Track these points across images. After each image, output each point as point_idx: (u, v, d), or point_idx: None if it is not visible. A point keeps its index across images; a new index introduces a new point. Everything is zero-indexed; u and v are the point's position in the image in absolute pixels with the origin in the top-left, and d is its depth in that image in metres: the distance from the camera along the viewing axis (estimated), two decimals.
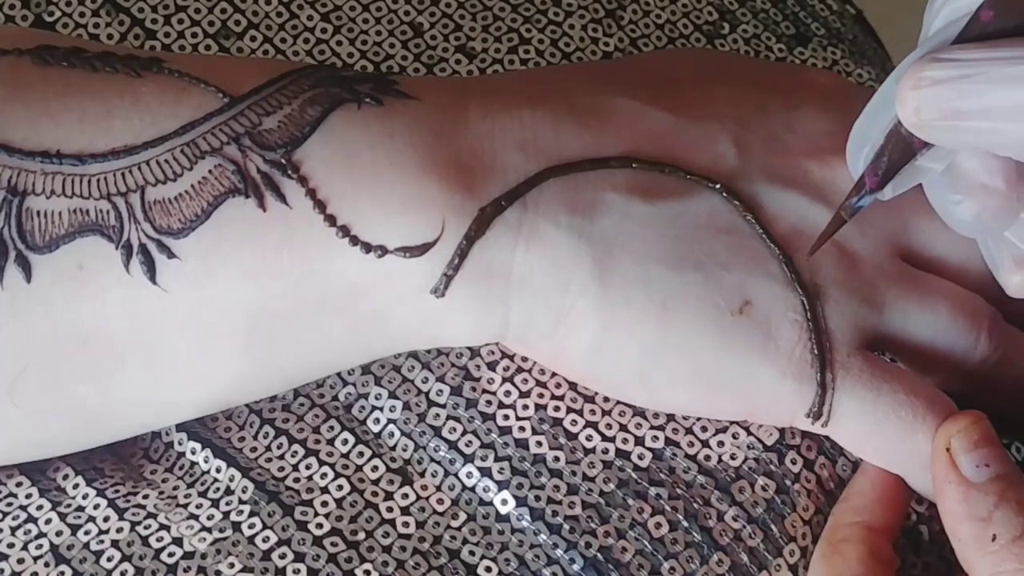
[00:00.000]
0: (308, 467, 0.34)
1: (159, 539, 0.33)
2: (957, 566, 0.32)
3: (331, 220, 0.31)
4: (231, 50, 0.37)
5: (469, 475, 0.33)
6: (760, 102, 0.35)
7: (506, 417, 0.34)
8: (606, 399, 0.34)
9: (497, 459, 0.33)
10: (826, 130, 0.35)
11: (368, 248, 0.31)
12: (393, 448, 0.34)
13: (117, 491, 0.34)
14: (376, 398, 0.34)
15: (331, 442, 0.34)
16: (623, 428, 0.34)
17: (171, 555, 0.32)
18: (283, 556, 0.32)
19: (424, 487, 0.34)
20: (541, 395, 0.34)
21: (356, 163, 0.32)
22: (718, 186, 0.33)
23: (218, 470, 0.34)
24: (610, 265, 0.32)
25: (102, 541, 0.33)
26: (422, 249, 0.32)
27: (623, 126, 0.33)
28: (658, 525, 0.33)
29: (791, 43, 0.41)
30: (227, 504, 0.33)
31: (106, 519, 0.33)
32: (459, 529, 0.33)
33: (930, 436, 0.32)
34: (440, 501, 0.33)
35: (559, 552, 0.33)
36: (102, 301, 0.31)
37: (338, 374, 0.35)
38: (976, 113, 0.28)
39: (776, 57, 0.40)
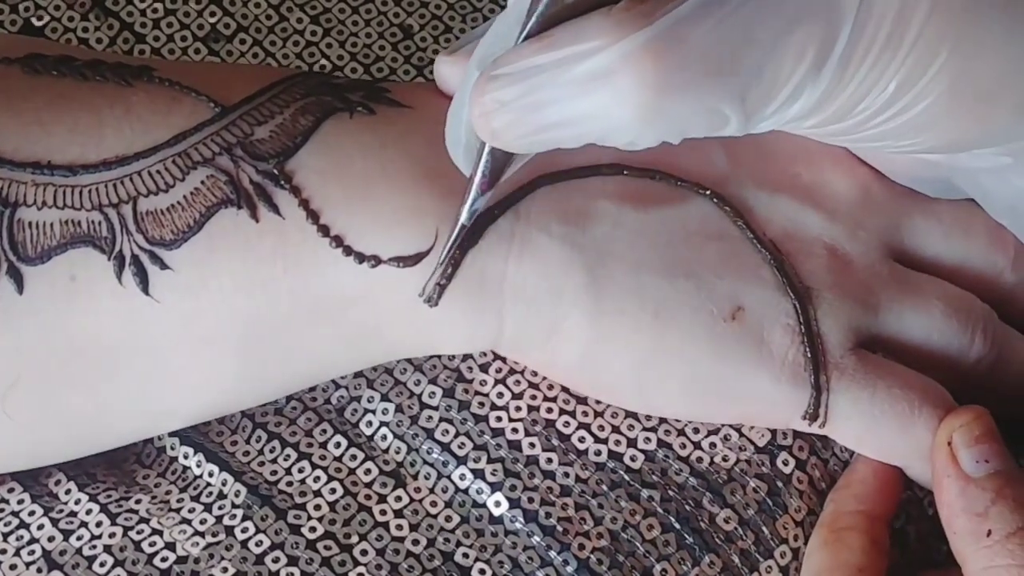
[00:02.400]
0: (301, 471, 0.34)
1: (152, 544, 0.33)
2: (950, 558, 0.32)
3: (324, 230, 0.31)
4: (220, 54, 0.37)
5: (462, 477, 0.34)
6: None
7: (499, 419, 0.34)
8: (598, 400, 0.34)
9: (490, 461, 0.34)
10: None
11: (361, 258, 0.31)
12: (386, 451, 0.34)
13: (109, 496, 0.34)
14: (368, 401, 0.34)
15: (324, 445, 0.34)
16: (615, 430, 0.34)
17: (164, 560, 0.33)
18: (276, 560, 0.32)
19: (417, 489, 0.34)
20: (534, 397, 0.34)
21: (349, 173, 0.32)
22: (708, 192, 0.34)
23: (211, 474, 0.34)
24: (602, 275, 0.32)
25: (95, 547, 0.33)
26: (415, 259, 0.32)
27: None
28: (650, 527, 0.33)
29: None
30: (220, 508, 0.33)
31: (98, 524, 0.33)
32: (452, 531, 0.33)
33: (927, 428, 0.33)
34: (433, 503, 0.33)
35: (552, 554, 0.33)
36: (94, 312, 0.31)
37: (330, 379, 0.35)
38: (554, 125, 0.28)
39: None
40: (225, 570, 0.32)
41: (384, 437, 0.34)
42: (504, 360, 0.35)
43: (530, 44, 0.27)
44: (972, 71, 0.28)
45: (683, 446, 0.34)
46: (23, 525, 0.33)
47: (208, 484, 0.34)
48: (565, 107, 0.27)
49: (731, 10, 0.26)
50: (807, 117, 0.28)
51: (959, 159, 0.32)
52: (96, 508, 0.34)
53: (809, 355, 0.33)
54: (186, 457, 0.34)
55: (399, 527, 0.33)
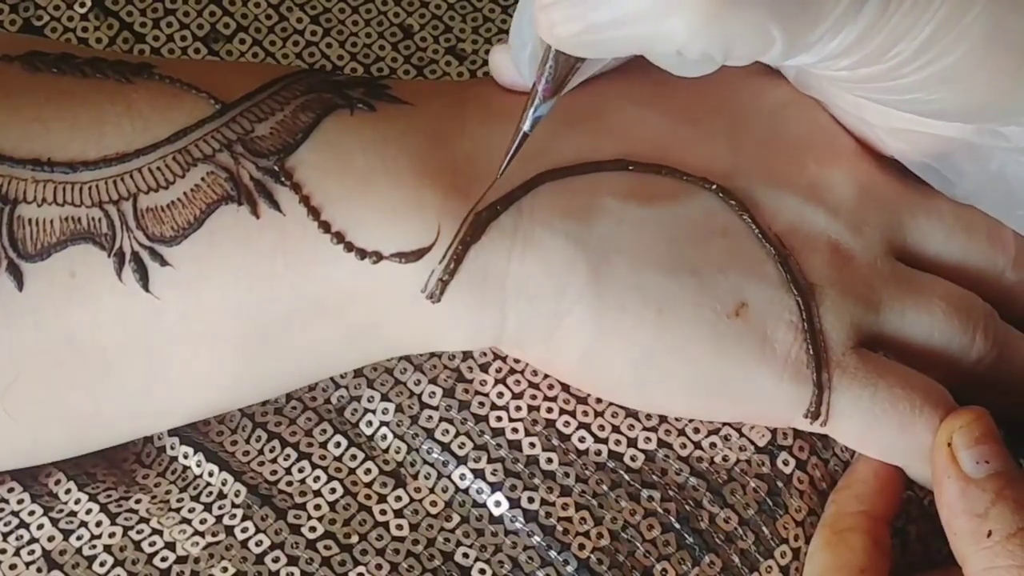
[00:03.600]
0: (301, 470, 0.34)
1: (152, 544, 0.33)
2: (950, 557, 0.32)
3: (325, 227, 0.31)
4: (220, 53, 0.37)
5: (462, 477, 0.34)
6: (752, 102, 0.35)
7: (499, 419, 0.34)
8: (599, 400, 0.34)
9: (490, 461, 0.33)
10: (818, 128, 0.35)
11: (363, 254, 0.31)
12: (386, 451, 0.34)
13: (109, 496, 0.34)
14: (368, 401, 0.34)
15: (324, 445, 0.34)
16: (616, 429, 0.34)
17: (164, 560, 0.32)
18: (276, 560, 0.32)
19: (417, 489, 0.34)
20: (534, 396, 0.34)
21: (350, 169, 0.32)
22: (714, 187, 0.33)
23: (210, 474, 0.34)
24: (606, 271, 0.32)
25: (94, 546, 0.33)
26: (417, 255, 0.31)
27: (617, 129, 0.33)
28: (650, 527, 0.33)
29: None
30: (220, 508, 0.33)
31: (98, 524, 0.33)
32: (453, 531, 0.33)
33: (928, 428, 0.33)
34: (433, 503, 0.33)
35: (552, 554, 0.33)
36: (94, 309, 0.31)
37: (330, 377, 0.35)
38: (608, 24, 0.28)
39: None
40: (225, 570, 0.32)
41: (384, 437, 0.34)
42: (504, 360, 0.35)
43: None
44: (1007, 23, 0.29)
45: (683, 446, 0.34)
46: (23, 525, 0.33)
47: (208, 484, 0.34)
48: (621, 4, 0.28)
49: None
50: (844, 55, 0.29)
51: (983, 135, 0.32)
52: (96, 508, 0.34)
53: (811, 353, 0.33)
54: (186, 457, 0.34)
55: (399, 527, 0.33)
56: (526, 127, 0.31)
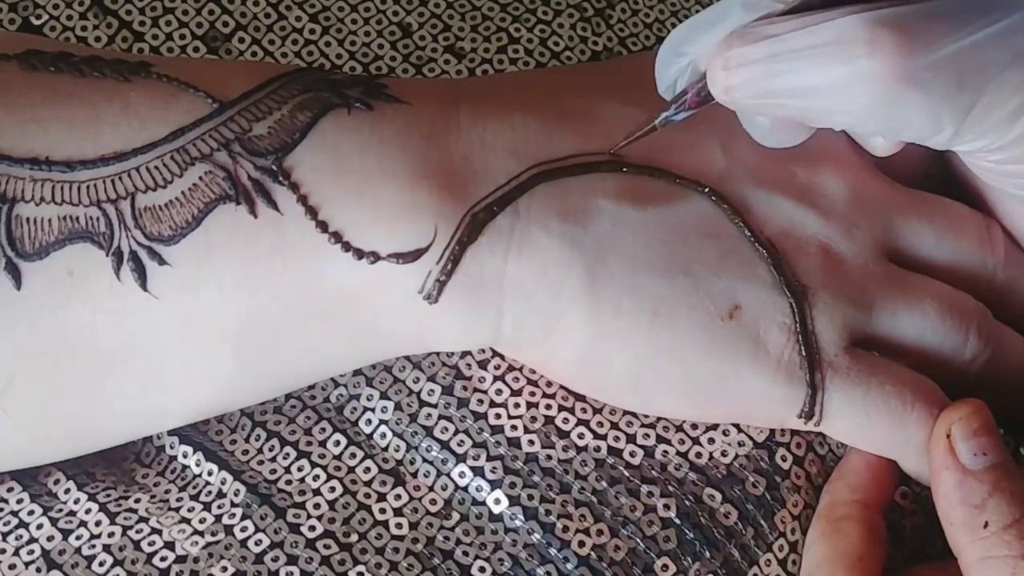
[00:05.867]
0: (300, 469, 0.34)
1: (151, 543, 0.33)
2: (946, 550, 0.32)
3: (323, 226, 0.31)
4: (219, 52, 0.37)
5: (462, 475, 0.34)
6: None
7: (498, 416, 0.34)
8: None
9: (489, 458, 0.33)
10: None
11: (360, 254, 0.31)
12: (385, 449, 0.34)
13: (108, 496, 0.34)
14: (367, 399, 0.34)
15: (323, 444, 0.34)
16: (614, 426, 0.34)
17: (163, 559, 0.32)
18: (276, 559, 0.32)
19: (417, 488, 0.34)
20: (532, 393, 0.34)
21: (347, 169, 0.32)
22: (707, 190, 0.34)
23: (210, 473, 0.34)
24: (601, 273, 0.32)
25: (94, 546, 0.33)
26: (415, 255, 0.32)
27: (613, 130, 0.33)
28: (650, 523, 0.33)
29: None
30: (219, 507, 0.33)
31: (98, 524, 0.33)
32: (452, 529, 0.33)
33: (920, 424, 0.33)
34: (433, 502, 0.33)
35: (552, 551, 0.33)
36: (92, 308, 0.31)
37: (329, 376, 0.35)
38: (785, 92, 0.29)
39: None
40: (224, 569, 0.32)
41: (383, 435, 0.34)
42: (503, 357, 0.35)
43: (785, 17, 0.29)
44: None
45: (682, 442, 0.34)
46: (22, 524, 0.33)
47: (207, 483, 0.34)
48: (803, 76, 0.29)
49: (974, 30, 0.29)
50: (999, 151, 0.30)
51: None
52: (95, 507, 0.34)
53: (804, 354, 0.33)
54: (185, 456, 0.34)
55: (399, 525, 0.33)
56: (657, 122, 0.32)
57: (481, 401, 0.34)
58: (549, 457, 0.34)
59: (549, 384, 0.35)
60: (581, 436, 0.34)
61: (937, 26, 0.29)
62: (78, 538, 0.33)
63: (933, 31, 0.29)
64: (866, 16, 0.29)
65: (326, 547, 0.33)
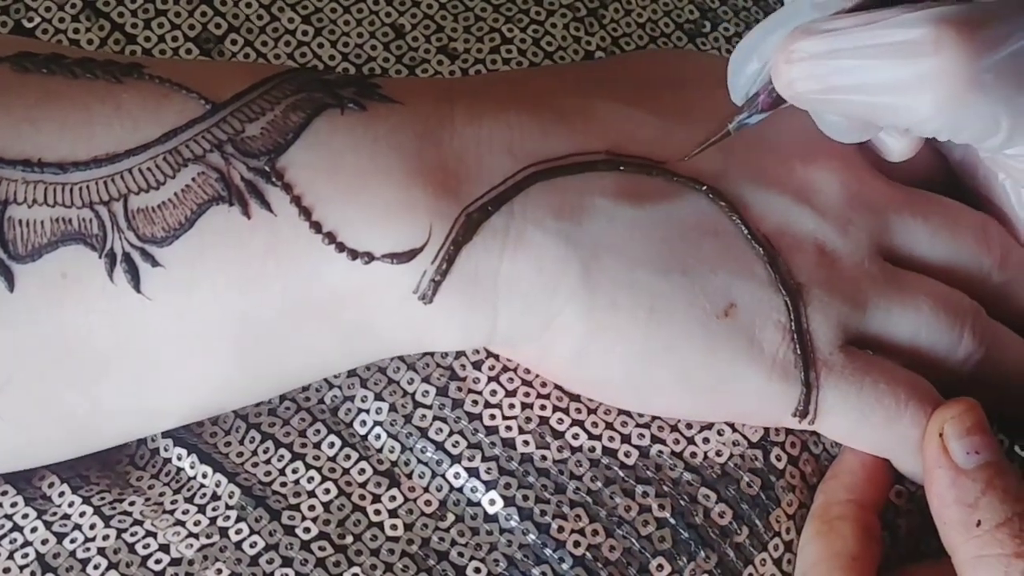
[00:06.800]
0: (295, 471, 0.34)
1: (146, 546, 0.33)
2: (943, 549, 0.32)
3: (316, 227, 0.31)
4: (212, 54, 0.37)
5: (456, 476, 0.34)
6: None
7: (492, 417, 0.34)
8: (591, 398, 0.34)
9: (484, 459, 0.33)
10: (807, 131, 0.35)
11: (354, 255, 0.31)
12: (380, 450, 0.34)
13: (103, 499, 0.34)
14: (362, 400, 0.34)
15: (317, 446, 0.34)
16: (609, 426, 0.34)
17: (158, 562, 0.32)
18: (271, 561, 0.32)
19: (411, 489, 0.34)
20: (527, 394, 0.34)
21: (341, 169, 0.31)
22: (704, 188, 0.34)
23: (204, 476, 0.34)
24: (597, 270, 0.32)
25: (88, 549, 0.33)
26: (409, 255, 0.31)
27: (609, 128, 0.33)
28: (645, 523, 0.33)
29: None
30: (214, 510, 0.33)
31: (92, 527, 0.33)
32: (447, 530, 0.33)
33: (914, 422, 0.33)
34: (428, 503, 0.33)
35: (548, 551, 0.33)
36: (86, 310, 0.31)
37: (323, 377, 0.35)
38: (849, 88, 0.30)
39: None
40: (219, 572, 0.32)
41: (378, 436, 0.34)
42: (497, 358, 0.35)
43: (852, 14, 0.29)
44: None
45: (677, 441, 0.34)
46: (16, 528, 0.33)
47: (202, 485, 0.34)
48: (867, 73, 0.29)
49: None
50: None
51: None
52: (90, 510, 0.33)
53: (799, 352, 0.33)
54: (180, 459, 0.34)
55: (394, 527, 0.33)
56: (731, 126, 0.32)
57: (476, 402, 0.34)
58: (544, 458, 0.34)
59: (544, 385, 0.35)
60: (576, 436, 0.34)
61: (1000, 26, 0.29)
62: (72, 541, 0.33)
63: (996, 31, 0.29)
64: (931, 14, 0.29)
65: (321, 549, 0.32)
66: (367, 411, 0.34)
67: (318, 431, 0.34)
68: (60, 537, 0.33)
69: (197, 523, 0.33)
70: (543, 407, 0.34)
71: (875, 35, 0.29)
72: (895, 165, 0.35)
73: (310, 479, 0.34)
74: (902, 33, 0.29)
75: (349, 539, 0.33)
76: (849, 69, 0.29)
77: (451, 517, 0.33)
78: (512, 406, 0.34)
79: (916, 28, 0.29)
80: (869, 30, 0.29)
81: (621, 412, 0.34)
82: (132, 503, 0.34)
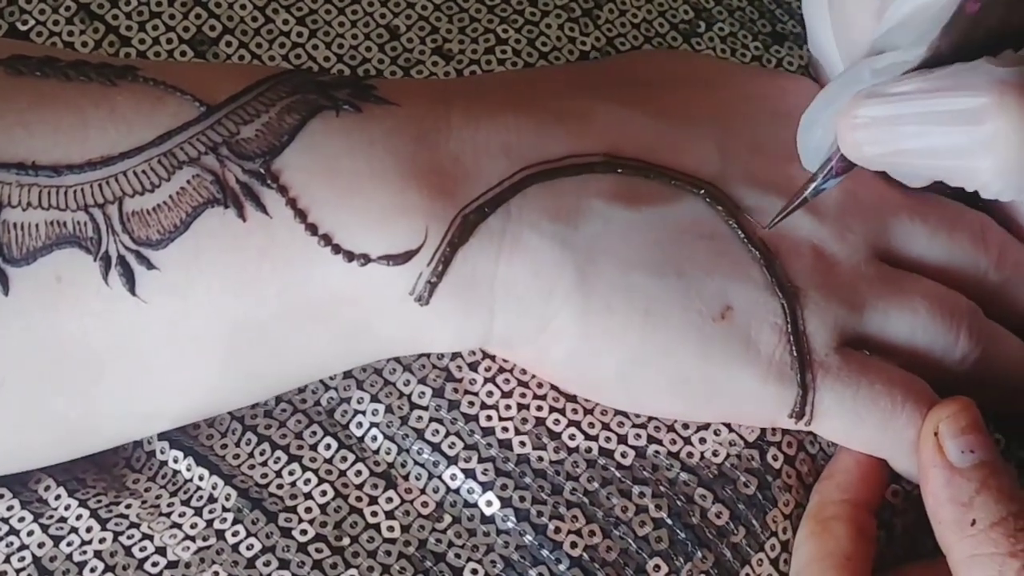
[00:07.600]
0: (291, 473, 0.34)
1: (142, 549, 0.33)
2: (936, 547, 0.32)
3: (312, 229, 0.31)
4: (207, 56, 0.37)
5: (453, 477, 0.34)
6: (741, 106, 0.35)
7: (489, 418, 0.34)
8: (588, 398, 0.34)
9: (481, 460, 0.33)
10: None
11: (351, 256, 0.31)
12: (376, 452, 0.34)
13: (99, 501, 0.34)
14: (358, 402, 0.34)
15: (314, 447, 0.34)
16: (605, 427, 0.34)
17: (155, 565, 0.32)
18: (268, 563, 0.32)
19: (408, 490, 0.34)
20: (523, 395, 0.34)
21: (336, 171, 0.31)
22: (702, 191, 0.34)
23: (201, 478, 0.34)
24: (593, 273, 0.32)
25: (85, 552, 0.33)
26: (405, 257, 0.31)
27: (606, 130, 0.33)
28: (642, 523, 0.33)
29: (767, 41, 0.41)
30: (210, 512, 0.33)
31: (88, 530, 0.33)
32: (444, 532, 0.33)
33: (910, 422, 0.33)
34: (424, 504, 0.33)
35: (545, 552, 0.33)
36: (80, 313, 0.31)
37: (319, 379, 0.35)
38: (916, 153, 0.30)
39: (752, 55, 0.40)
40: (216, 574, 0.32)
41: (374, 438, 0.34)
42: (494, 359, 0.35)
43: (913, 76, 0.30)
44: None
45: (673, 442, 0.34)
46: (12, 531, 0.33)
47: (198, 488, 0.34)
48: (930, 138, 0.30)
49: None
50: None
51: None
52: (86, 513, 0.33)
53: (795, 354, 0.33)
54: (176, 461, 0.34)
55: (390, 528, 0.33)
56: (808, 193, 0.33)
57: (472, 403, 0.34)
58: (540, 458, 0.34)
59: (540, 385, 0.35)
60: (572, 437, 0.34)
61: None
62: (69, 544, 0.33)
63: None
64: (991, 80, 0.29)
65: (318, 551, 0.32)
66: (363, 413, 0.34)
67: (314, 433, 0.34)
68: (56, 540, 0.33)
69: (194, 526, 0.33)
70: (540, 408, 0.34)
71: (936, 102, 0.29)
72: None
73: (307, 481, 0.34)
74: (963, 101, 0.29)
75: (346, 541, 0.33)
76: (913, 135, 0.30)
77: (448, 518, 0.33)
78: (508, 407, 0.34)
79: (978, 96, 0.29)
80: (931, 97, 0.30)
81: (618, 413, 0.34)
82: (128, 506, 0.34)
